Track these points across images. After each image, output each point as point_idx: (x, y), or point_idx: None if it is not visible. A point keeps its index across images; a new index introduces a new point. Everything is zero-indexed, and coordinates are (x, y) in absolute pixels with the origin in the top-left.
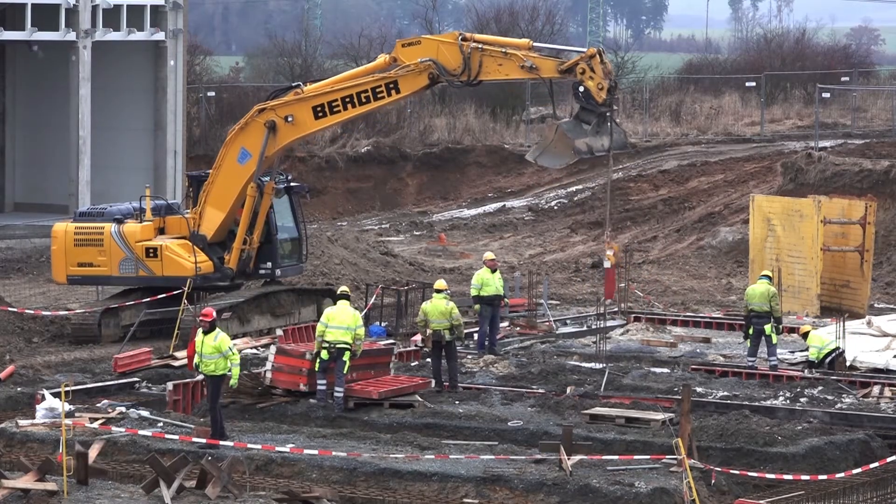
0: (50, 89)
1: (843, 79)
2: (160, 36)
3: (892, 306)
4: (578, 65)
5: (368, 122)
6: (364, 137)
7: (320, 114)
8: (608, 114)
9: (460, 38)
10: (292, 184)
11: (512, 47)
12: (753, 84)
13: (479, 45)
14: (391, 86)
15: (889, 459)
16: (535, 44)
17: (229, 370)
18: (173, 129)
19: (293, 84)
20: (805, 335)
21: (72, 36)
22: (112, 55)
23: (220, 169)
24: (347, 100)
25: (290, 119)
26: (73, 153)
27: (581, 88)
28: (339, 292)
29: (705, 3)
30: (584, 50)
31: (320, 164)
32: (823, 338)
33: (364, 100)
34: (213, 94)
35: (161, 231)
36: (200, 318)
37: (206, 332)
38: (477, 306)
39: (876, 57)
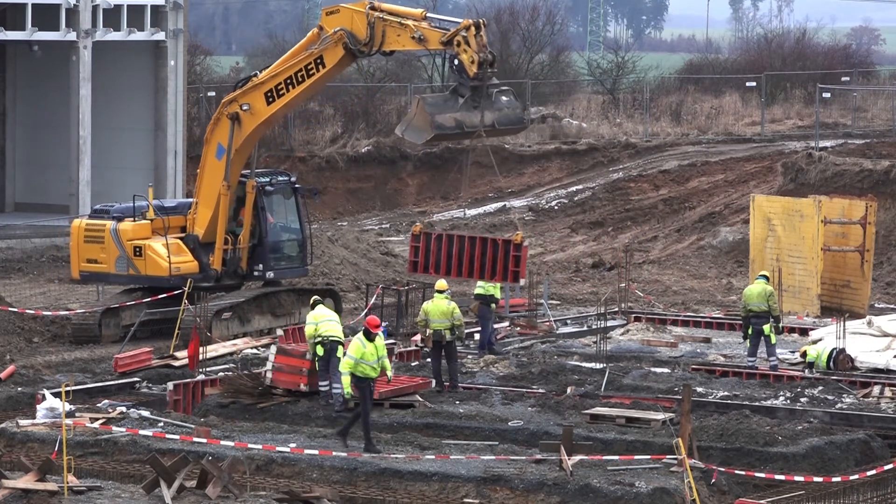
0: (50, 89)
1: (843, 79)
2: (160, 36)
3: (892, 306)
4: (456, 37)
5: (369, 122)
6: (364, 137)
7: (270, 99)
8: (488, 88)
9: (369, 6)
10: (296, 185)
11: (408, 17)
12: (754, 84)
13: (382, 15)
14: (318, 61)
15: None
16: (430, 14)
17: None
18: (173, 129)
19: (252, 74)
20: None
21: (72, 36)
22: (112, 55)
23: (204, 167)
24: (288, 81)
25: (245, 108)
26: (73, 153)
27: (456, 61)
28: (312, 300)
29: (706, 3)
30: (466, 20)
31: (320, 164)
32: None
33: (301, 79)
34: (213, 94)
35: (183, 230)
36: (371, 328)
37: (372, 340)
38: (479, 304)
39: (876, 57)
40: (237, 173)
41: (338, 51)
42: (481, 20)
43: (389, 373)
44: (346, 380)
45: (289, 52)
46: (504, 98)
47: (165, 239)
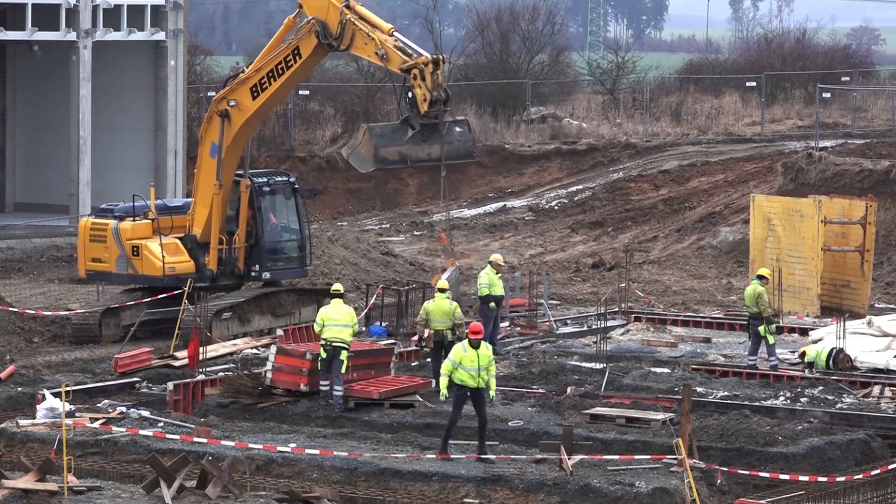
0: (50, 89)
1: (843, 79)
2: (160, 36)
3: (892, 306)
4: (414, 69)
5: (369, 122)
6: None
7: (255, 93)
8: (439, 124)
9: (344, 4)
10: (296, 185)
11: (377, 29)
12: (754, 84)
13: (354, 18)
14: (295, 52)
15: None
16: (397, 33)
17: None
18: (174, 129)
19: (240, 70)
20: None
21: (72, 36)
22: (112, 55)
23: (200, 166)
24: (271, 74)
25: (233, 104)
26: (73, 153)
27: (410, 94)
28: (332, 290)
29: (706, 3)
30: (426, 55)
31: (321, 163)
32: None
33: (281, 71)
34: (213, 94)
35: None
36: (471, 334)
37: (474, 347)
38: (492, 304)
39: (876, 57)
40: (230, 172)
41: (311, 40)
42: (441, 56)
43: (492, 391)
44: (443, 381)
45: (270, 41)
46: (457, 129)
47: (160, 238)
